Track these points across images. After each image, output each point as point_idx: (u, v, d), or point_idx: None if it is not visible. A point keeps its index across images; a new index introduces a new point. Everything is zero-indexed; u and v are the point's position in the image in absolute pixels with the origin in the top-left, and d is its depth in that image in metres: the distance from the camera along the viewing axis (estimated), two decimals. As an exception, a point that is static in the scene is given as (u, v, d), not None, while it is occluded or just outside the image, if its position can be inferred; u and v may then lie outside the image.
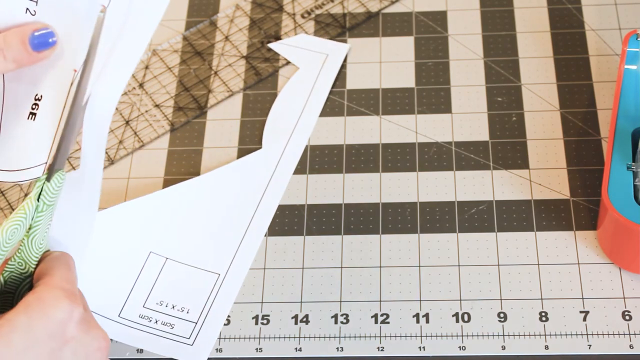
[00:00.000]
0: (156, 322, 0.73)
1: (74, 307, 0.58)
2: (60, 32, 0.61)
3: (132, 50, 0.61)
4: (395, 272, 0.74)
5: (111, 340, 0.72)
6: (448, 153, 0.80)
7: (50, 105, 0.61)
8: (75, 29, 0.60)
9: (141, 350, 0.72)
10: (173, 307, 0.73)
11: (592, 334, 0.70)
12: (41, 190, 0.60)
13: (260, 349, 0.72)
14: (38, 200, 0.59)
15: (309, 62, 0.86)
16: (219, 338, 0.72)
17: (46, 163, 0.61)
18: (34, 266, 0.61)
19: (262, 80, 0.86)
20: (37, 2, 0.60)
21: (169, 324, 0.73)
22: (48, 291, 0.57)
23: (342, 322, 0.72)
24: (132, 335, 0.72)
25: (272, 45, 0.88)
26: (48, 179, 0.60)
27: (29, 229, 0.60)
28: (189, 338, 0.72)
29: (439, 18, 0.88)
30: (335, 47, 0.87)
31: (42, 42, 0.59)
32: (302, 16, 0.89)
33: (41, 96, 0.61)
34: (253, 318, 0.73)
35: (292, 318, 0.73)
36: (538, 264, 0.74)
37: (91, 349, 0.59)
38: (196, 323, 0.73)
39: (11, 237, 0.58)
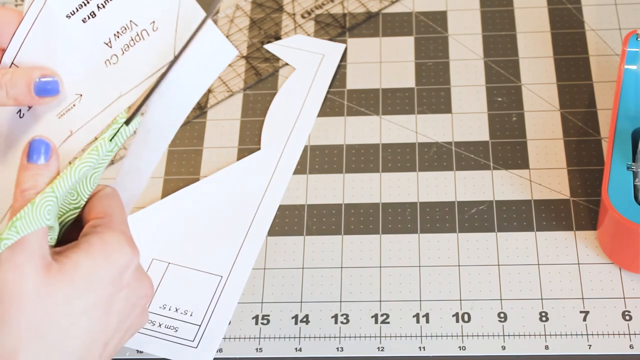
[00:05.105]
0: (160, 325, 0.73)
1: (134, 254, 0.57)
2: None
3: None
4: (395, 272, 0.74)
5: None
6: (448, 153, 0.80)
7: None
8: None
9: (141, 351, 0.72)
10: (176, 310, 0.73)
11: (592, 334, 0.70)
12: (116, 132, 0.59)
13: (260, 349, 0.72)
14: (111, 140, 0.59)
15: (305, 62, 0.86)
16: (220, 338, 0.73)
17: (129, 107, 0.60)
18: (85, 199, 0.60)
19: (262, 80, 0.86)
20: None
21: (172, 327, 0.72)
22: (112, 235, 0.57)
23: (342, 322, 0.72)
24: (136, 339, 0.72)
25: (268, 47, 0.88)
26: (127, 123, 0.59)
27: None
28: (193, 341, 0.72)
29: (439, 18, 0.88)
30: (331, 47, 0.87)
31: (46, 89, 0.60)
32: (302, 16, 0.89)
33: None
34: (253, 318, 0.73)
35: (292, 318, 0.73)
36: (538, 264, 0.74)
37: (139, 295, 0.59)
38: (200, 325, 0.72)
39: (82, 177, 0.58)
